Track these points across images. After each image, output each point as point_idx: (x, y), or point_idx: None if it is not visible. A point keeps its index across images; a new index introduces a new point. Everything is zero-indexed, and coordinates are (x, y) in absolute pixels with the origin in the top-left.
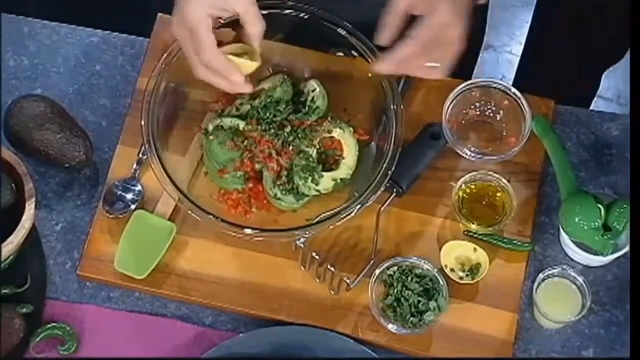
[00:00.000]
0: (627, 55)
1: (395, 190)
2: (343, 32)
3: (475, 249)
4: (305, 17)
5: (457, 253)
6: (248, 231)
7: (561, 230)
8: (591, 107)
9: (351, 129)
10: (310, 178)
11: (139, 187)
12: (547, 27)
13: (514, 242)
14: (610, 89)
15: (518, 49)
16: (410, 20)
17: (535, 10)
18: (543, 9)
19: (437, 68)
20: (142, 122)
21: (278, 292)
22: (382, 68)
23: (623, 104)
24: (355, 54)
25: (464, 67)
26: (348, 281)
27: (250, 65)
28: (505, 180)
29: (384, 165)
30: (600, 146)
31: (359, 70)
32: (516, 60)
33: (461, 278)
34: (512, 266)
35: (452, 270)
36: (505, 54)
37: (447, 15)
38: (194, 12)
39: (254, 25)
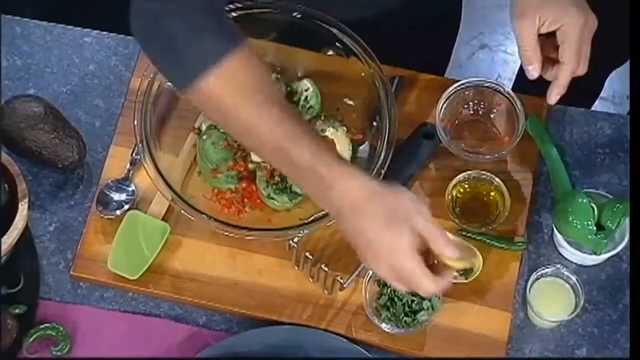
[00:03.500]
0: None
1: None
2: (337, 32)
3: (469, 249)
4: (299, 17)
5: None
6: (241, 231)
7: (555, 229)
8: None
9: (345, 128)
10: None
11: (132, 188)
12: None
13: (508, 241)
14: (606, 88)
15: (513, 49)
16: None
17: None
18: None
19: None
20: (136, 123)
21: (272, 292)
22: (556, 99)
23: (618, 104)
24: (349, 53)
25: (439, 63)
26: (342, 281)
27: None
28: (499, 180)
29: (378, 165)
30: (594, 146)
31: (352, 70)
32: (512, 60)
33: (455, 278)
34: (506, 266)
35: None
36: (500, 54)
37: (579, 17)
38: (405, 255)
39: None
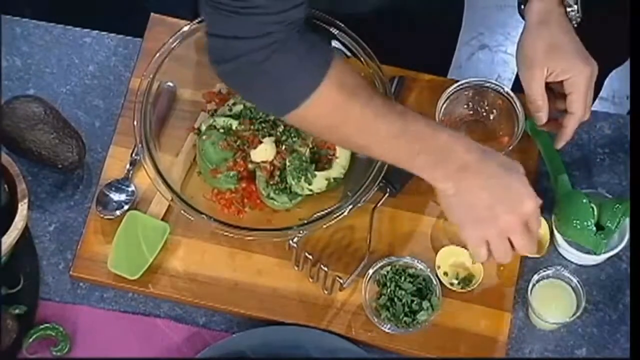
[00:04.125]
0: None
1: (388, 189)
2: (336, 32)
3: (474, 261)
4: None
5: (454, 259)
6: (241, 231)
7: (555, 229)
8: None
9: None
10: (303, 178)
11: (132, 188)
12: None
13: None
14: (606, 88)
15: (513, 49)
16: None
17: None
18: None
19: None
20: (135, 123)
21: (271, 292)
22: (563, 144)
23: (617, 104)
24: (349, 53)
25: (439, 63)
26: (341, 281)
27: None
28: None
29: (377, 165)
30: (593, 145)
31: None
32: (512, 60)
33: (452, 284)
34: (505, 265)
35: (445, 274)
36: (500, 54)
37: (585, 68)
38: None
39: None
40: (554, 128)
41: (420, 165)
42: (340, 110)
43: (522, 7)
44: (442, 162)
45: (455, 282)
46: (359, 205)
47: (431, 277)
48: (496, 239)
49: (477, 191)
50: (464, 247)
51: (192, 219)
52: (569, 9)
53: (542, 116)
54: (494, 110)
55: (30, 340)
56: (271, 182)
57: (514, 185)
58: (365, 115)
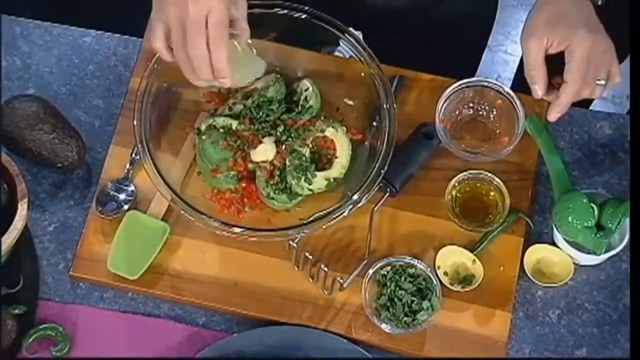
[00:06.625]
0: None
1: (388, 189)
2: (337, 32)
3: (474, 261)
4: (299, 16)
5: (455, 259)
6: (241, 231)
7: (555, 229)
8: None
9: (344, 128)
10: (303, 177)
11: (132, 188)
12: None
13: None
14: None
15: (513, 49)
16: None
17: None
18: None
19: (603, 84)
20: (135, 122)
21: (271, 292)
22: (555, 117)
23: (617, 103)
24: (349, 53)
25: (466, 68)
26: (341, 281)
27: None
28: (498, 180)
29: (377, 165)
30: (593, 145)
31: (351, 70)
32: (512, 60)
33: (452, 284)
34: (505, 266)
35: (445, 273)
36: (500, 54)
37: (587, 38)
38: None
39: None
40: (553, 99)
41: None
42: None
43: None
44: None
45: (455, 281)
46: (359, 205)
47: (431, 277)
48: (173, 26)
49: None
50: (465, 247)
51: (192, 219)
52: None
53: (537, 89)
54: (494, 110)
55: (30, 340)
56: (271, 182)
57: None
58: None
